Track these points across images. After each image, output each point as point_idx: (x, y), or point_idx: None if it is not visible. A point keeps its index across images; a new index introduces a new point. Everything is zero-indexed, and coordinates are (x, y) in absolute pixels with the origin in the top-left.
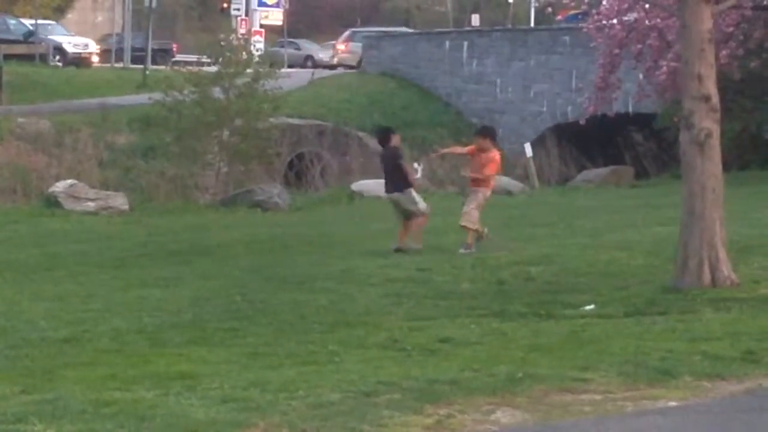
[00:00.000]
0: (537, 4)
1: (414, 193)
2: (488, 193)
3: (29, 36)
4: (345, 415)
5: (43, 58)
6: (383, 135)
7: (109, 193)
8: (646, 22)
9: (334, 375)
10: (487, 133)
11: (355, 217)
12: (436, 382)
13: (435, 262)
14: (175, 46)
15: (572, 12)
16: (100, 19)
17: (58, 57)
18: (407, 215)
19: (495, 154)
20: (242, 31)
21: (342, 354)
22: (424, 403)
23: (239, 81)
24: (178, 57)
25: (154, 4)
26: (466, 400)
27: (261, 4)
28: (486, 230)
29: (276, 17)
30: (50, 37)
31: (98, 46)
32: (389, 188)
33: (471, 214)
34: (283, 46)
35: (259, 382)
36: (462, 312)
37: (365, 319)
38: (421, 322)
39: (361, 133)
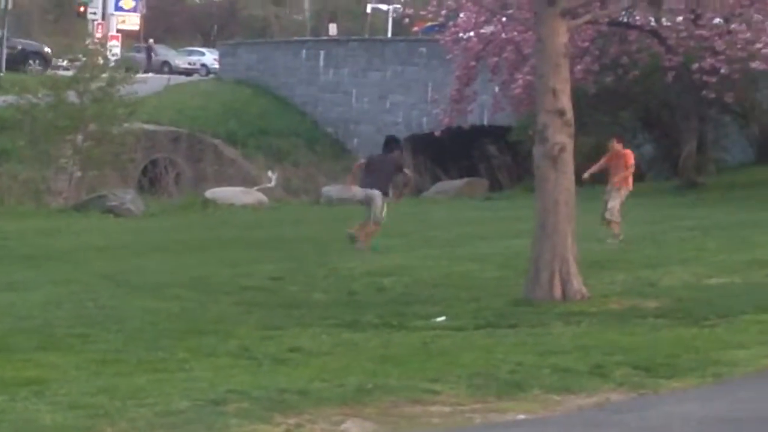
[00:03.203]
0: (394, 15)
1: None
2: (629, 190)
3: None
4: (193, 424)
5: None
6: (391, 144)
7: None
8: (503, 35)
9: (184, 383)
10: (618, 137)
11: (209, 225)
12: (285, 391)
13: (288, 272)
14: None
15: (429, 23)
16: None
17: None
18: (367, 216)
19: (629, 153)
20: (99, 35)
21: (192, 362)
22: (273, 413)
23: (94, 85)
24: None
25: (9, 6)
26: (316, 410)
27: (118, 8)
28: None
29: (133, 22)
30: None
31: None
32: (375, 186)
33: (615, 209)
34: (139, 51)
35: (109, 388)
36: (314, 322)
37: (217, 327)
38: (272, 332)
39: (216, 141)
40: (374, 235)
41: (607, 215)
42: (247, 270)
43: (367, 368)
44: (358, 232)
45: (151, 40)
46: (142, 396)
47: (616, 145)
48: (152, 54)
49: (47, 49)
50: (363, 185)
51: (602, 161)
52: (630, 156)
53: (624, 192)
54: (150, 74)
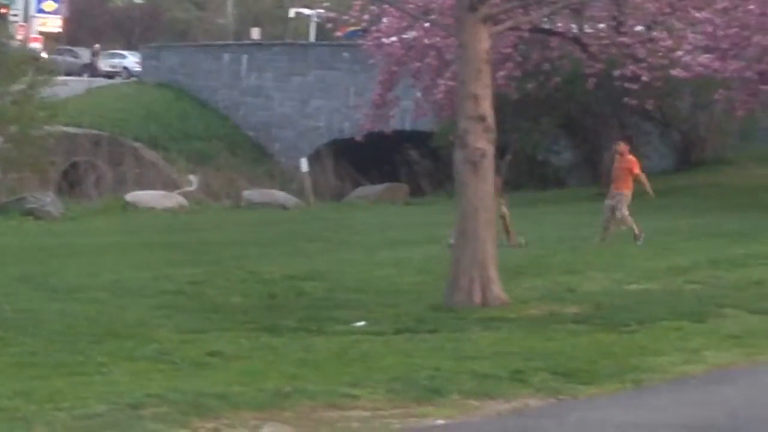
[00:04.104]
0: (318, 20)
1: None
2: (630, 192)
3: None
4: (110, 427)
5: None
6: None
7: None
8: (425, 40)
9: (102, 386)
10: (626, 138)
11: (129, 228)
12: (204, 395)
13: (208, 276)
14: None
15: (352, 28)
16: None
17: None
18: None
19: (634, 161)
20: (20, 37)
21: (110, 365)
22: (190, 417)
23: (15, 87)
24: None
25: None
26: (234, 414)
27: (40, 10)
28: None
29: (54, 24)
30: None
31: None
32: None
33: (626, 215)
34: (61, 54)
35: (25, 392)
36: (233, 326)
37: (135, 330)
38: (191, 335)
39: (137, 144)
40: None
41: (623, 227)
42: (167, 273)
43: (286, 372)
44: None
45: (97, 45)
46: (60, 399)
47: (622, 148)
48: (97, 58)
49: None
50: None
51: (616, 165)
52: (635, 164)
53: (627, 197)
54: (82, 77)
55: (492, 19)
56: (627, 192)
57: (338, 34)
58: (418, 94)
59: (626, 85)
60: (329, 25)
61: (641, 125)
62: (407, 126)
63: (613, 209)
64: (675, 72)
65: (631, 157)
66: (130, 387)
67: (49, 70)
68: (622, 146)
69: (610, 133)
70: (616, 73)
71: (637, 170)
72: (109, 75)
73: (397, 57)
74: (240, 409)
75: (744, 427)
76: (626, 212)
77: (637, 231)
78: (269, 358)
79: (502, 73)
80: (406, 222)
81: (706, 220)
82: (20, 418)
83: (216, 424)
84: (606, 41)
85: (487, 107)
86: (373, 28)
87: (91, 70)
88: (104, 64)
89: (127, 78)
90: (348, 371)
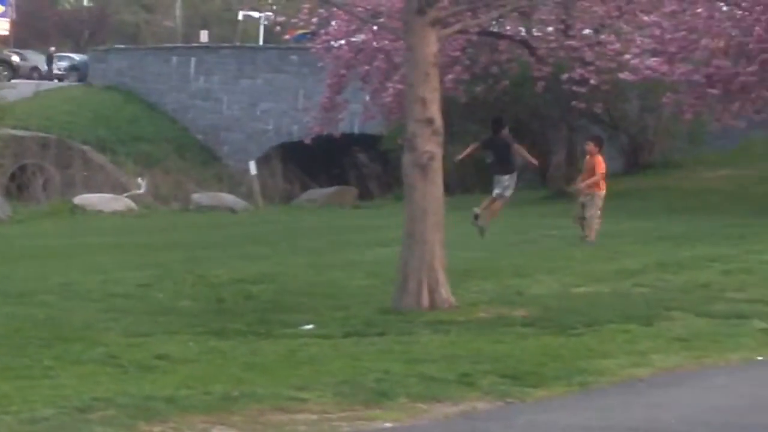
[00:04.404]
0: (266, 23)
1: (512, 180)
2: (602, 193)
3: None
4: (58, 431)
5: None
6: (498, 124)
7: None
8: (374, 44)
9: (49, 390)
10: (594, 139)
11: (77, 231)
12: (151, 399)
13: (156, 279)
14: None
15: (301, 31)
16: None
17: None
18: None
19: (599, 160)
20: None
21: (58, 369)
22: (138, 420)
23: None
24: None
25: None
26: (181, 417)
27: None
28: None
29: (2, 27)
30: None
31: None
32: (498, 170)
33: (595, 217)
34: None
35: None
36: (181, 329)
37: (83, 334)
38: (139, 339)
39: (85, 147)
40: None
41: (586, 227)
42: (115, 276)
43: (234, 376)
44: (484, 211)
45: (52, 48)
46: (6, 403)
47: (590, 148)
48: (53, 61)
49: None
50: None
51: (586, 165)
52: (600, 163)
53: (598, 198)
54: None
55: (440, 23)
56: (599, 192)
57: (287, 37)
58: (367, 98)
59: (574, 88)
60: (278, 29)
61: (589, 128)
62: (356, 129)
63: (583, 206)
64: (623, 75)
65: (598, 157)
66: (77, 390)
67: None
68: (590, 146)
69: (558, 136)
70: (565, 76)
71: (598, 170)
72: (58, 78)
73: (346, 60)
74: (188, 412)
75: (691, 429)
76: (595, 213)
77: (592, 236)
78: (217, 362)
79: (450, 76)
80: (355, 225)
81: (654, 223)
82: None
83: (163, 427)
84: (554, 44)
85: (435, 110)
86: (322, 31)
87: (49, 73)
88: (54, 67)
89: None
90: (296, 374)
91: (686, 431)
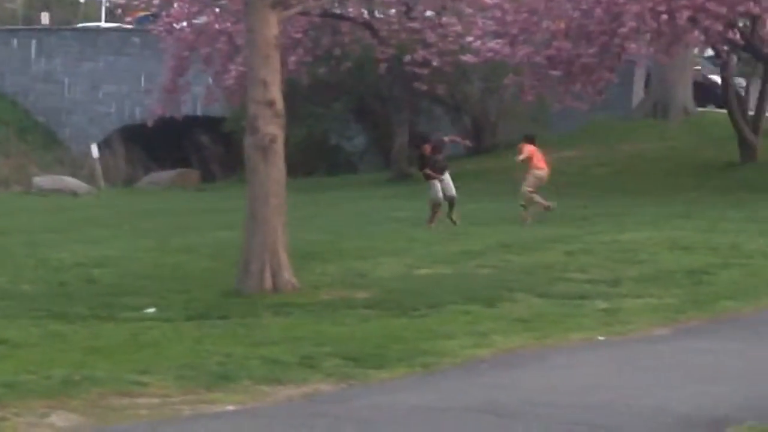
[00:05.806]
0: (108, 4)
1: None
2: (534, 173)
3: None
4: None
5: None
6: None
7: None
8: (216, 26)
9: None
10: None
11: None
12: None
13: None
14: None
15: (143, 13)
16: None
17: None
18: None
19: (520, 146)
20: None
21: None
22: None
23: None
24: None
25: None
26: (21, 402)
27: None
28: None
29: None
30: None
31: None
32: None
33: (524, 192)
34: None
35: None
36: (21, 313)
37: None
38: None
39: None
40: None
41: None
42: None
43: (75, 360)
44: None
45: None
46: None
47: (519, 147)
48: None
49: None
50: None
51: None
52: (520, 149)
53: (530, 177)
54: None
55: (281, 4)
56: (534, 172)
57: (128, 19)
58: (210, 80)
59: (417, 70)
60: (119, 11)
61: (432, 110)
62: (199, 111)
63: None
64: (465, 57)
65: (526, 147)
66: None
67: None
68: (519, 146)
69: (401, 118)
70: (407, 58)
71: (520, 155)
72: None
73: (188, 42)
74: (28, 397)
75: (533, 409)
76: (527, 189)
77: (525, 215)
78: (58, 346)
79: (293, 58)
80: (198, 208)
81: (497, 204)
82: None
83: (3, 413)
84: (396, 26)
85: (276, 92)
86: (164, 13)
87: None
88: None
89: None
90: (138, 358)
91: (527, 410)
